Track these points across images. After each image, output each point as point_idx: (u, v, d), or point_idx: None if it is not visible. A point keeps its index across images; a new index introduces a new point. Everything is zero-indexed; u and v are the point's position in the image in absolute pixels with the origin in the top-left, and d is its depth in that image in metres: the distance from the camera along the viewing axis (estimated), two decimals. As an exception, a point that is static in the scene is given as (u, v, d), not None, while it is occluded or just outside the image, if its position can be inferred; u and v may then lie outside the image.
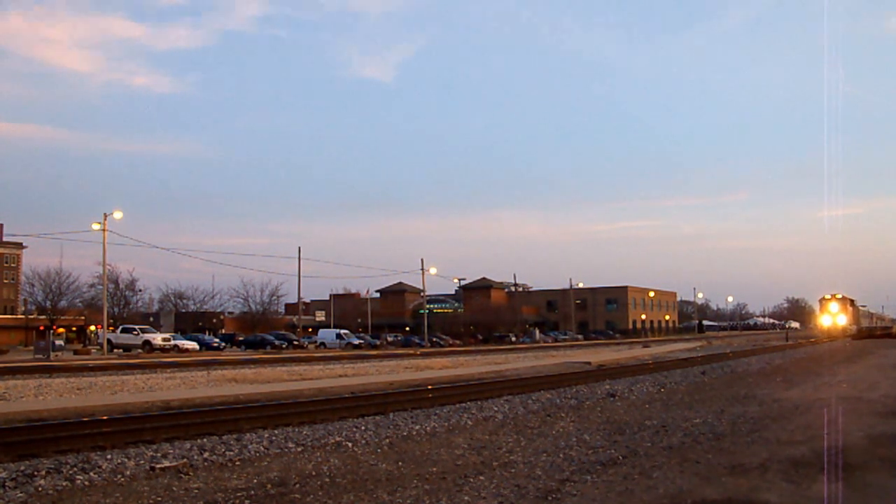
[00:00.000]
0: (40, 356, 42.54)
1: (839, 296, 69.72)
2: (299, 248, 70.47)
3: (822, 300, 71.80)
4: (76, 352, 53.53)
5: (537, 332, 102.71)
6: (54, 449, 9.51)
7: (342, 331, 74.83)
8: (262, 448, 9.73)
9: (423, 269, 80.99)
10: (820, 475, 7.52)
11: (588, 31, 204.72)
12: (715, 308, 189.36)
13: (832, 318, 68.90)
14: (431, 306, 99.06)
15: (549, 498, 6.79)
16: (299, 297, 74.85)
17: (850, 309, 71.69)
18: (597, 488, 7.16)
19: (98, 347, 54.13)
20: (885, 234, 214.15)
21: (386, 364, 33.77)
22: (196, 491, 7.26)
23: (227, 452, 9.38)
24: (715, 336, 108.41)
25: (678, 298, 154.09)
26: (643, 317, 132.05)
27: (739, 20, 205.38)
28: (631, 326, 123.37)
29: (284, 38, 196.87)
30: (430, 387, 18.02)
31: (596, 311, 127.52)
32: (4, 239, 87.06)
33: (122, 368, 30.77)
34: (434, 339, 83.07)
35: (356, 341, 70.62)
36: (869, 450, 8.99)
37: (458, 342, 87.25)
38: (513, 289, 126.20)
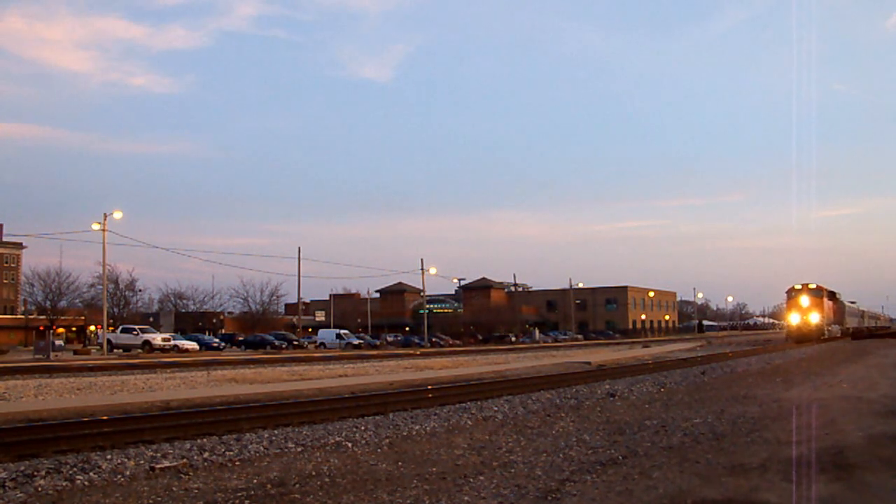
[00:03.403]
0: (40, 356, 42.53)
1: (812, 286, 54.10)
2: (299, 248, 70.66)
3: (791, 292, 55.02)
4: (76, 352, 53.52)
5: (537, 332, 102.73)
6: (54, 449, 9.50)
7: (342, 331, 74.79)
8: (261, 448, 9.73)
9: (423, 269, 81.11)
10: (820, 475, 7.51)
11: (587, 30, 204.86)
12: (715, 308, 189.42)
13: (802, 315, 53.37)
14: (431, 306, 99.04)
15: (549, 498, 6.79)
16: (299, 298, 74.91)
17: (828, 303, 55.53)
18: (597, 488, 7.16)
19: (98, 347, 54.11)
20: (886, 233, 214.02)
21: (386, 364, 33.77)
22: (196, 491, 7.26)
23: (227, 452, 9.38)
24: (715, 336, 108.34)
25: (678, 298, 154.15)
26: (643, 317, 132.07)
27: (739, 20, 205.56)
28: (631, 326, 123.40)
29: (282, 38, 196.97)
30: (430, 387, 18.02)
31: (596, 311, 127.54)
32: (4, 239, 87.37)
33: (122, 368, 30.77)
34: (434, 339, 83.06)
35: (356, 341, 70.58)
36: (869, 450, 8.98)
37: (457, 342, 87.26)
38: (513, 289, 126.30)
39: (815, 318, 52.96)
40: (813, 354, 35.54)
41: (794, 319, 54.35)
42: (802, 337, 52.07)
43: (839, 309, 62.11)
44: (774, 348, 44.51)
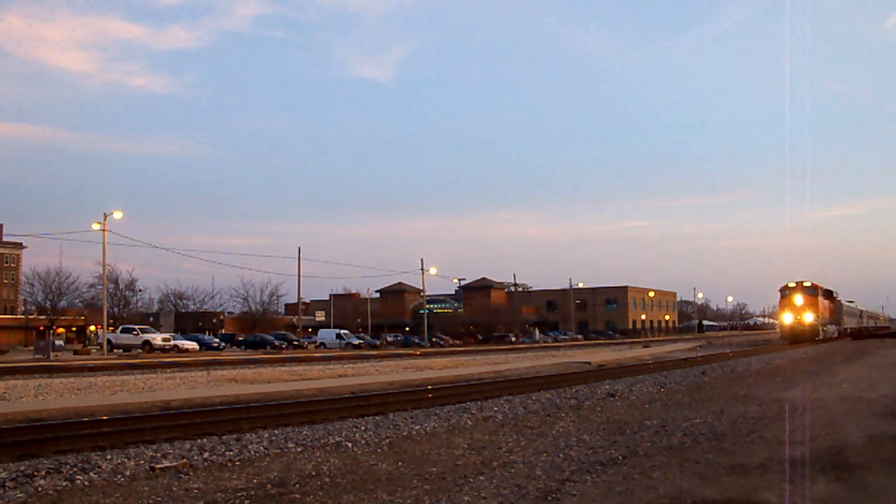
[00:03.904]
0: (40, 356, 42.54)
1: (807, 284, 51.35)
2: (299, 248, 70.63)
3: (785, 290, 52.13)
4: (76, 352, 53.51)
5: (537, 332, 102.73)
6: (54, 449, 9.50)
7: (342, 331, 74.79)
8: (262, 448, 9.73)
9: (423, 269, 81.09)
10: (820, 475, 7.51)
11: (587, 31, 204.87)
12: (715, 308, 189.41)
13: (795, 314, 50.63)
14: (431, 306, 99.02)
15: (549, 498, 6.79)
16: (299, 298, 74.89)
17: (823, 302, 52.81)
18: (597, 488, 7.16)
19: (98, 347, 54.10)
20: (886, 233, 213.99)
21: (386, 364, 33.77)
22: (196, 491, 7.26)
23: (227, 452, 9.38)
24: (715, 336, 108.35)
25: (678, 298, 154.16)
26: (643, 317, 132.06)
27: (738, 20, 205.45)
28: (631, 326, 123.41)
29: (282, 38, 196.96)
30: (430, 387, 18.03)
31: (596, 311, 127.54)
32: (4, 239, 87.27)
33: (122, 368, 30.77)
34: (434, 339, 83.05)
35: (356, 341, 70.59)
36: (869, 450, 8.98)
37: (457, 342, 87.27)
38: (513, 289, 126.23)
39: (809, 317, 50.52)
40: (812, 355, 35.55)
41: (787, 319, 51.91)
42: (796, 337, 49.94)
43: (836, 308, 59.52)
44: (774, 348, 44.52)
